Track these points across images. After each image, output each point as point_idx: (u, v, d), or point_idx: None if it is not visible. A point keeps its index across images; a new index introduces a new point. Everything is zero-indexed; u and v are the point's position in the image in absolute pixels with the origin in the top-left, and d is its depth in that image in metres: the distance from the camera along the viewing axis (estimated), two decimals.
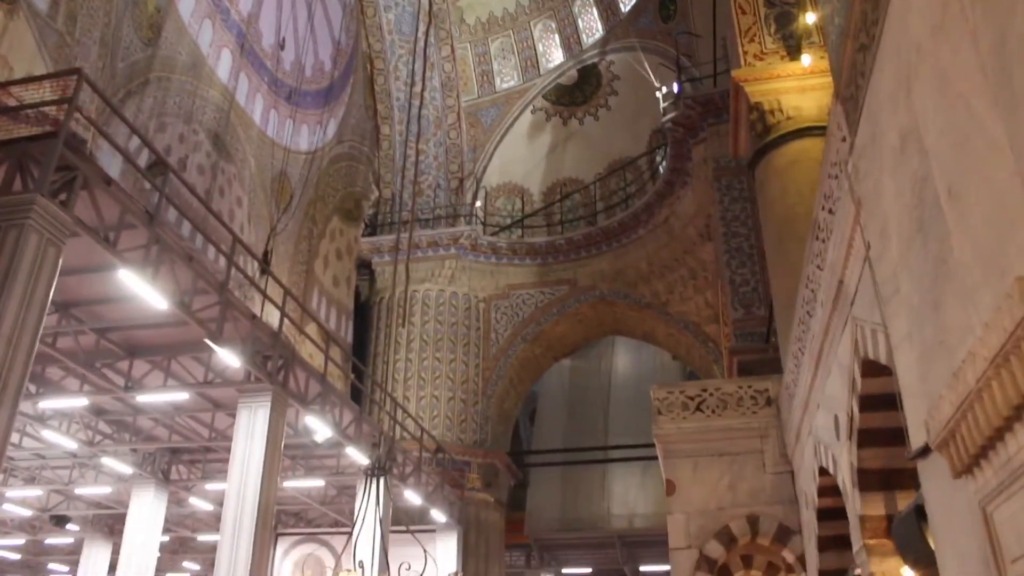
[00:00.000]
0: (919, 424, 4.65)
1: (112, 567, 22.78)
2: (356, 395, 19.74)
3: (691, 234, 24.02)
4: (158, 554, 20.85)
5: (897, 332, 5.07)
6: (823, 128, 8.62)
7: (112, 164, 14.38)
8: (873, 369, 6.19)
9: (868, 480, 7.23)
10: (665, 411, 12.68)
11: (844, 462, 7.56)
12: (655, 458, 21.95)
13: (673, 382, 22.45)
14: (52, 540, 27.74)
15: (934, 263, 4.13)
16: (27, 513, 24.47)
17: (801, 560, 11.49)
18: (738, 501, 12.13)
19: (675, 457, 12.57)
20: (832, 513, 9.50)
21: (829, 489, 9.05)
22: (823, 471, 8.92)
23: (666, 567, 29.52)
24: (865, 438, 6.93)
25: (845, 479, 7.68)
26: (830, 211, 6.77)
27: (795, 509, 11.80)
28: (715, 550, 11.98)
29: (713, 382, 13.08)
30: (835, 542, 9.81)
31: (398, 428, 20.16)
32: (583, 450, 30.26)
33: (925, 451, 4.60)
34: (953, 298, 3.88)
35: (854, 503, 7.45)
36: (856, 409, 6.78)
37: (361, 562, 10.34)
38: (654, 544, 28.97)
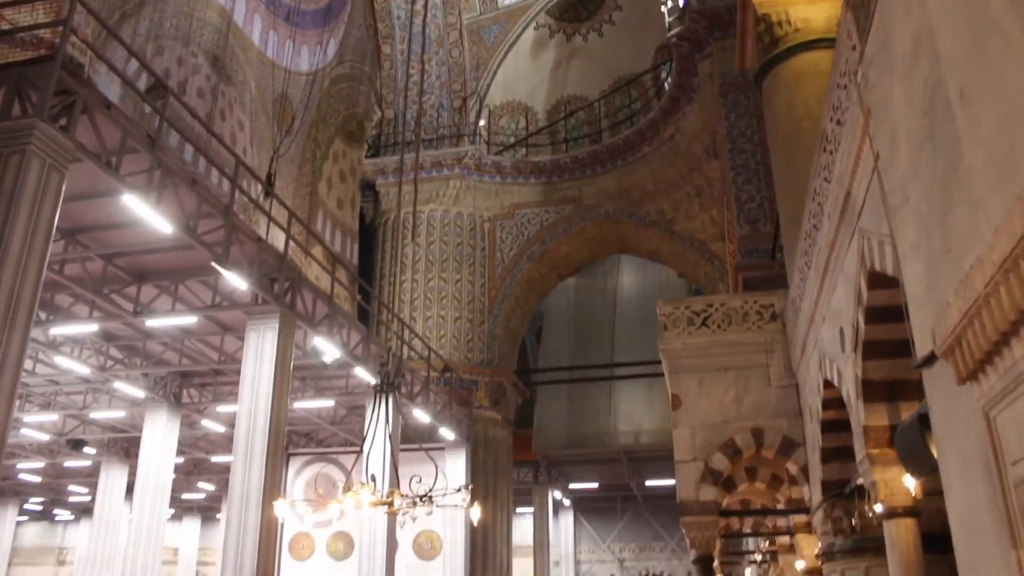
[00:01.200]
0: (925, 333, 4.66)
1: (129, 488, 23.28)
2: (363, 316, 19.86)
3: (697, 151, 23.79)
4: (173, 475, 21.31)
5: (904, 242, 5.04)
6: (831, 40, 8.43)
7: (110, 88, 14.17)
8: (879, 281, 6.18)
9: (872, 391, 7.29)
10: (671, 326, 12.74)
11: (849, 374, 7.62)
12: (661, 375, 22.14)
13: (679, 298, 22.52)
14: (70, 463, 28.31)
15: (944, 170, 4.08)
16: (44, 437, 24.95)
17: (804, 471, 11.67)
18: (743, 414, 12.26)
19: (681, 372, 12.67)
20: (835, 425, 9.62)
21: (833, 402, 9.14)
22: (828, 384, 9.00)
23: (671, 481, 29.88)
24: (870, 350, 6.96)
25: (849, 391, 7.75)
26: (838, 122, 6.68)
27: (799, 422, 11.94)
28: (720, 462, 12.16)
29: (719, 297, 13.08)
30: (838, 453, 9.95)
31: (405, 348, 20.33)
32: (589, 368, 30.56)
33: (930, 359, 4.62)
34: (963, 205, 3.84)
35: (858, 414, 7.53)
36: (862, 321, 6.80)
37: (373, 476, 10.52)
38: (659, 459, 29.48)
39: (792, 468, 12.15)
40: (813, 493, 11.18)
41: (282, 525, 15.63)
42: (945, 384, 4.43)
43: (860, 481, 8.44)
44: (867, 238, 6.21)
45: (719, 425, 12.25)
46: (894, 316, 5.99)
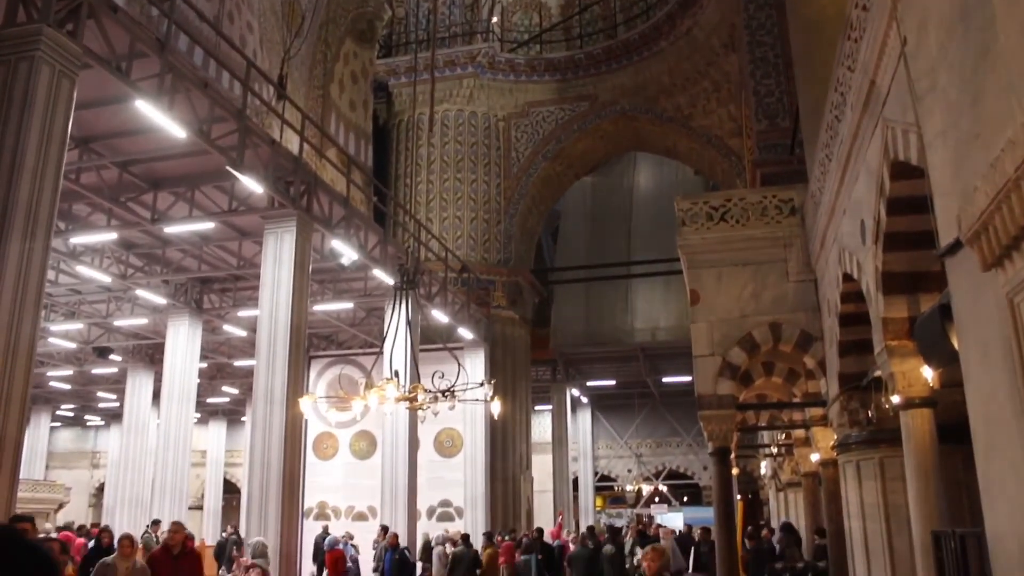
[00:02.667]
0: (950, 221, 4.61)
1: (156, 394, 23.77)
2: (379, 218, 19.79)
3: (714, 45, 23.23)
4: (197, 380, 21.71)
5: (931, 130, 4.94)
6: None
7: None
8: (902, 171, 6.09)
9: (892, 283, 7.27)
10: (689, 222, 12.67)
11: (869, 266, 7.58)
12: (677, 272, 22.20)
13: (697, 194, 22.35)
14: (97, 370, 28.87)
15: (976, 53, 3.96)
16: (71, 346, 25.40)
17: (821, 365, 11.75)
18: (761, 309, 12.28)
19: (699, 267, 12.66)
20: (853, 318, 9.64)
21: (852, 295, 9.13)
22: (847, 277, 8.97)
23: (687, 378, 30.32)
24: (891, 242, 6.91)
25: (869, 283, 7.72)
26: (864, 8, 6.48)
27: (817, 316, 11.97)
28: (738, 356, 12.25)
29: (737, 192, 12.96)
30: (855, 347, 9.99)
31: (423, 250, 20.36)
32: (606, 266, 30.56)
33: (955, 247, 4.58)
34: (995, 88, 3.74)
35: (877, 306, 7.53)
36: (883, 212, 6.73)
37: (396, 371, 10.64)
38: (676, 356, 29.77)
39: (809, 362, 12.23)
40: (830, 386, 11.28)
41: (306, 424, 15.94)
42: (969, 271, 4.41)
43: (877, 373, 8.49)
44: (891, 127, 6.09)
45: (737, 320, 12.29)
46: (916, 207, 5.93)
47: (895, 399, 7.63)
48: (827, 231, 10.19)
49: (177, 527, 8.46)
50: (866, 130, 7.03)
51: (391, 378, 9.91)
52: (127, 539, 7.91)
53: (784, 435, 19.39)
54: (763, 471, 28.12)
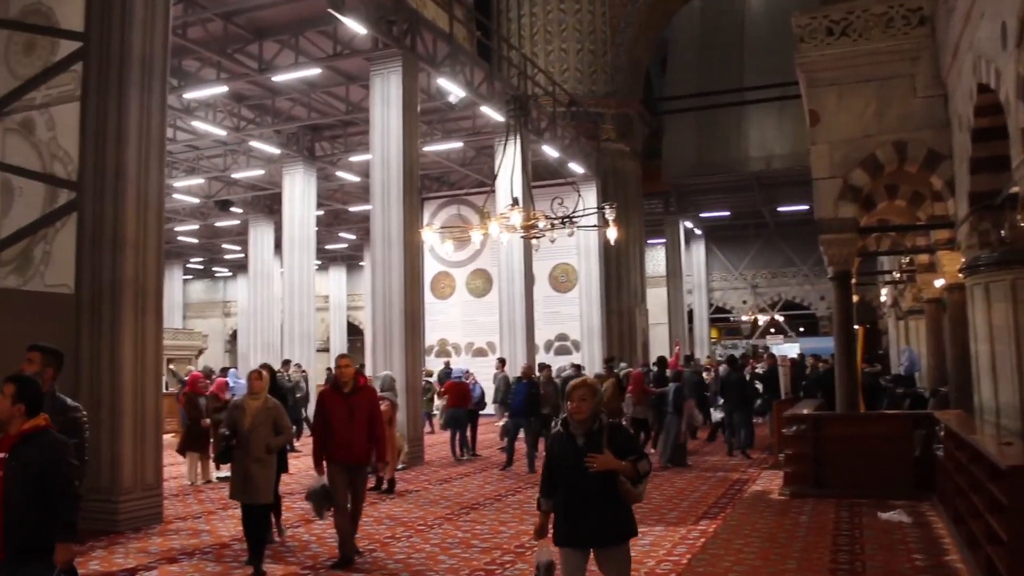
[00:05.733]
0: None
1: (277, 243, 24.71)
2: (485, 54, 19.51)
3: None
4: (316, 227, 22.43)
5: None
6: None
7: None
8: None
9: None
10: (808, 38, 12.03)
11: (1009, 73, 7.10)
12: (792, 97, 21.29)
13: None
14: (221, 223, 30.11)
15: None
16: (195, 201, 26.50)
17: (950, 185, 11.27)
18: (885, 127, 11.75)
19: (818, 86, 12.10)
20: (988, 133, 9.17)
21: (988, 108, 8.64)
22: (983, 88, 8.44)
23: (803, 207, 29.66)
24: None
25: (1009, 92, 7.25)
26: None
27: (946, 133, 11.39)
28: (860, 178, 11.84)
29: (860, 2, 12.11)
30: (989, 163, 9.54)
31: (529, 84, 20.03)
32: (717, 93, 29.44)
33: None
34: None
35: (1017, 116, 7.08)
36: None
37: (515, 198, 10.66)
38: (792, 184, 28.99)
39: (936, 183, 11.74)
40: (959, 206, 10.84)
41: (422, 265, 16.39)
42: None
43: (1014, 189, 8.09)
44: None
45: (859, 140, 11.80)
46: None
47: None
48: (961, 39, 9.53)
49: (345, 361, 7.27)
50: None
51: (513, 206, 9.92)
52: (255, 375, 7.20)
53: (907, 260, 18.88)
54: (883, 299, 27.63)
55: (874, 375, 16.34)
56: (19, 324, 8.44)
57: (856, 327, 13.62)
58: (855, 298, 17.36)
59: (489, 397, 17.51)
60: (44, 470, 3.79)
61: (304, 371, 19.41)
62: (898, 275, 21.73)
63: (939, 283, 14.61)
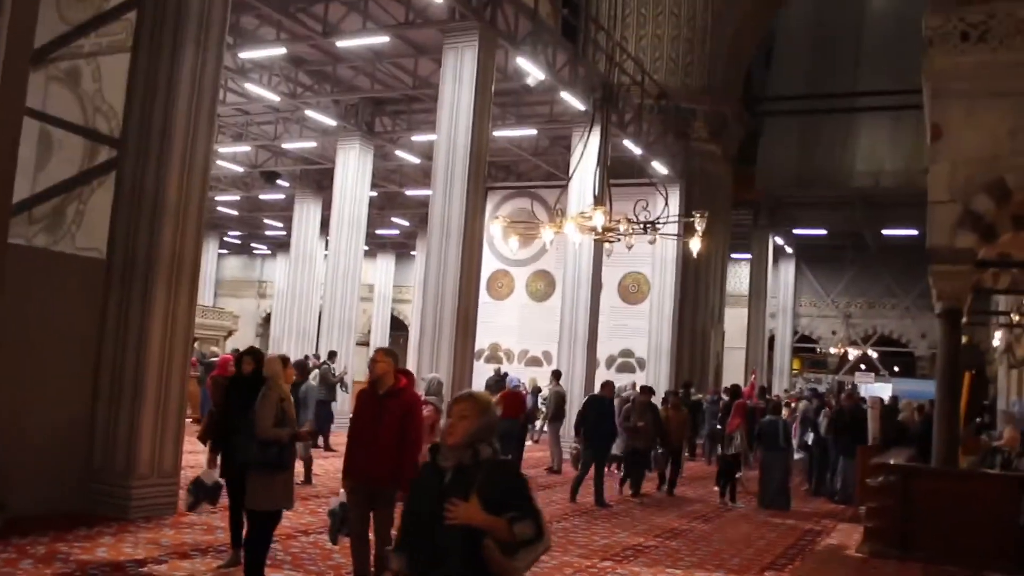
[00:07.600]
0: None
1: (323, 224, 24.95)
2: (570, 34, 19.44)
3: None
4: (367, 209, 22.58)
5: None
6: None
7: None
8: None
9: None
10: (938, 42, 11.74)
11: None
12: (912, 107, 20.90)
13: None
14: (265, 196, 30.54)
15: None
16: (239, 170, 26.89)
17: None
18: (1018, 149, 11.40)
19: (946, 98, 11.81)
20: None
21: None
22: None
23: (912, 231, 29.09)
24: None
25: None
26: None
27: None
28: (983, 204, 11.52)
29: (1004, 5, 11.78)
30: None
31: (616, 72, 19.92)
32: (827, 97, 29.08)
33: None
34: None
35: None
36: None
37: (597, 197, 10.61)
38: (901, 204, 28.45)
39: None
40: None
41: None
42: None
43: None
44: None
45: (988, 161, 11.49)
46: None
47: None
48: None
49: (380, 356, 6.60)
50: None
51: (597, 205, 9.87)
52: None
53: None
54: (995, 343, 26.97)
55: (979, 428, 15.96)
56: (44, 288, 8.64)
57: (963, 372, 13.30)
58: (963, 339, 16.98)
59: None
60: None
61: (324, 363, 17.68)
62: (1016, 318, 21.18)
63: None
